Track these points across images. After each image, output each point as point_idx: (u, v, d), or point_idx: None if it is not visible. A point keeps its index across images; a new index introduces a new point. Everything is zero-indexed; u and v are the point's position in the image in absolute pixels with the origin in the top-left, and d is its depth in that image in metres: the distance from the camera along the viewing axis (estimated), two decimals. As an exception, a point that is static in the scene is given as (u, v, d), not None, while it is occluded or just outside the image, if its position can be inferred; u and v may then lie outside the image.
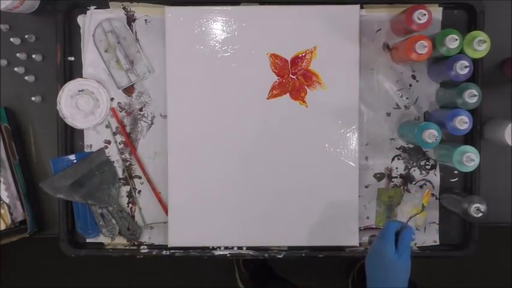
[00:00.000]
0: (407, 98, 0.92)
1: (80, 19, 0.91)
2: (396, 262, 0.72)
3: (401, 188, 0.93)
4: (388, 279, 0.73)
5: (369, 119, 0.92)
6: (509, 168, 0.94)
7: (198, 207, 0.91)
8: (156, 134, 0.93)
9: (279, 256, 0.92)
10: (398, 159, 0.93)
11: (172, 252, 0.92)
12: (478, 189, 0.91)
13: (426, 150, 0.93)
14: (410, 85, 0.92)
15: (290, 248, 0.92)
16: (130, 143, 0.93)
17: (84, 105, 0.91)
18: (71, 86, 0.90)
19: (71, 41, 0.92)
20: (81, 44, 0.92)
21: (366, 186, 0.93)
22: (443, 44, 0.80)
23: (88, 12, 0.91)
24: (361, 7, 0.90)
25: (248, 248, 0.92)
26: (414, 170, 0.93)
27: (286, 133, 0.91)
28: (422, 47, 0.79)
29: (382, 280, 0.73)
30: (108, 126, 0.93)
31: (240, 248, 0.92)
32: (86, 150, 0.93)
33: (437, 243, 0.93)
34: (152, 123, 0.93)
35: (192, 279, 1.60)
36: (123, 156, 0.93)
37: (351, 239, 0.91)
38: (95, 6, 0.91)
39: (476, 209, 0.81)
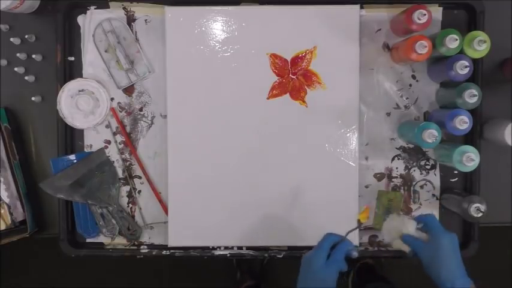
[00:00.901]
0: (407, 98, 0.92)
1: (80, 19, 0.91)
2: (321, 272, 0.73)
3: (402, 188, 0.93)
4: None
5: (368, 119, 0.92)
6: (509, 168, 0.94)
7: (198, 207, 0.91)
8: (156, 134, 0.93)
9: (279, 256, 0.92)
10: (399, 159, 0.93)
11: (172, 252, 0.92)
12: (478, 189, 0.91)
13: (426, 150, 0.93)
14: (410, 85, 0.92)
15: (290, 248, 0.92)
16: (130, 143, 0.93)
17: (84, 105, 0.91)
18: (71, 86, 0.90)
19: (71, 41, 0.92)
20: (81, 44, 0.92)
21: (366, 186, 0.93)
22: (443, 44, 0.80)
23: (88, 12, 0.91)
24: (361, 7, 0.90)
25: (248, 248, 0.92)
26: (414, 170, 0.93)
27: (286, 133, 0.91)
28: (422, 47, 0.79)
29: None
30: (108, 126, 0.93)
31: (240, 248, 0.92)
32: (86, 150, 0.93)
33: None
34: (152, 123, 0.93)
35: (192, 279, 1.60)
36: (123, 156, 0.93)
37: (350, 239, 0.91)
38: (95, 6, 0.91)
39: (476, 209, 0.81)
